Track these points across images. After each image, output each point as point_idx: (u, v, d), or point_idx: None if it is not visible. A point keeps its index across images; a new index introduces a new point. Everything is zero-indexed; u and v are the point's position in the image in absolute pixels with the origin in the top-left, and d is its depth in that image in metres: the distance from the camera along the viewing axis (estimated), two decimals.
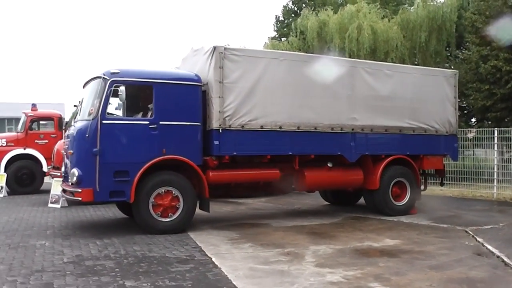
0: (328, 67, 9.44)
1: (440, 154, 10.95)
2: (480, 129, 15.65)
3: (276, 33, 29.79)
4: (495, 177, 13.83)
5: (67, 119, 13.17)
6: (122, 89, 7.69)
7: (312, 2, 27.19)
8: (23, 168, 14.48)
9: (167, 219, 8.12)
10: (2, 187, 14.05)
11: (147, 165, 7.86)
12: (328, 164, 9.64)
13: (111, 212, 10.59)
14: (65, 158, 8.61)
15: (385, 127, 10.04)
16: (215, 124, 8.39)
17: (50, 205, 11.67)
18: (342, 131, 9.58)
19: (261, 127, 8.78)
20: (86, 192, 7.68)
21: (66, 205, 11.53)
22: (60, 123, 14.89)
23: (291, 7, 29.41)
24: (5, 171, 14.23)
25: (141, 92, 8.35)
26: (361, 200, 11.49)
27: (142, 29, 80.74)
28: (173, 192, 8.14)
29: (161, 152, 8.01)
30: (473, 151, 16.51)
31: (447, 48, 22.60)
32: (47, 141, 14.72)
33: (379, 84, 10.01)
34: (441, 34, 21.11)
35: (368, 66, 10.13)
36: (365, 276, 5.71)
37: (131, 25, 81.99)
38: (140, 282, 5.38)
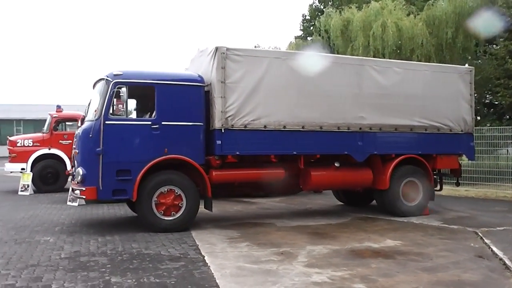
0: (333, 66, 9.34)
1: (455, 153, 10.63)
2: (507, 127, 15.05)
3: (302, 32, 29.64)
4: None
5: None
6: (123, 90, 7.87)
7: (338, 1, 26.91)
8: (48, 167, 14.96)
9: (170, 218, 8.24)
10: (28, 185, 14.57)
11: (149, 164, 8.00)
12: (335, 164, 9.53)
13: (123, 210, 10.81)
14: (74, 158, 8.87)
15: (394, 126, 9.84)
16: (217, 124, 8.46)
17: (68, 203, 11.98)
18: (349, 130, 9.45)
19: (265, 126, 8.78)
20: (90, 190, 7.90)
21: (84, 203, 11.82)
22: None
23: (317, 5, 29.19)
24: (31, 170, 14.75)
25: (144, 93, 8.50)
26: None
27: (167, 30, 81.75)
28: (176, 191, 8.26)
29: (163, 152, 8.14)
30: (507, 150, 15.97)
31: (477, 44, 21.93)
32: (70, 141, 15.12)
33: (388, 82, 9.81)
34: (469, 30, 20.48)
35: (376, 64, 9.94)
36: (352, 277, 5.64)
37: (158, 26, 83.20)
38: (125, 278, 5.51)
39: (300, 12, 47.37)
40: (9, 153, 15.24)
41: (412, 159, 10.11)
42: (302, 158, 9.20)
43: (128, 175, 7.97)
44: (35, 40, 78.33)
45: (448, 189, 14.33)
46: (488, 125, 18.20)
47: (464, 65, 21.56)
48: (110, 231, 8.31)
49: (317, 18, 24.61)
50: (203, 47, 9.34)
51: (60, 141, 15.16)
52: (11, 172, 15.32)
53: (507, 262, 6.34)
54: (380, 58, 19.80)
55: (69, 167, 15.00)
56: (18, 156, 14.87)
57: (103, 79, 8.22)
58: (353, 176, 9.73)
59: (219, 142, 8.45)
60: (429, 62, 19.28)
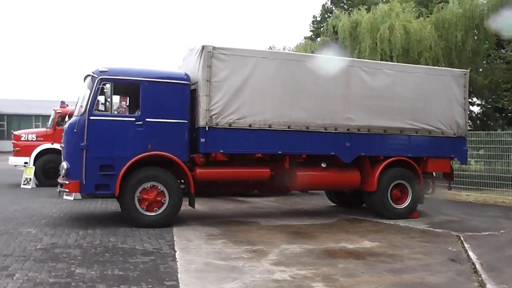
0: (321, 66, 9.34)
1: (446, 157, 10.52)
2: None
3: (311, 33, 29.58)
4: None
5: None
6: (108, 86, 8.01)
7: (350, 2, 26.79)
8: (50, 161, 15.20)
9: (153, 213, 8.35)
10: (30, 179, 14.86)
11: (131, 160, 8.12)
12: (322, 164, 9.53)
13: (115, 205, 10.93)
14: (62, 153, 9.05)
15: (384, 127, 9.79)
16: (201, 122, 8.54)
17: (64, 197, 12.19)
18: (337, 131, 9.44)
19: (250, 125, 8.83)
20: (73, 184, 8.07)
21: (80, 197, 12.01)
22: None
23: (330, 6, 29.10)
24: (34, 164, 15.05)
25: (130, 89, 8.63)
26: None
27: (177, 29, 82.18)
28: (159, 187, 8.37)
29: (146, 148, 8.25)
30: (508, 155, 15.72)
31: (488, 48, 21.61)
32: None
33: (378, 83, 9.78)
34: (479, 33, 20.21)
35: (366, 65, 9.91)
36: (314, 276, 5.67)
37: (166, 24, 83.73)
38: (90, 270, 5.62)
39: (312, 13, 47.14)
40: (13, 147, 15.57)
41: (402, 162, 10.05)
42: (288, 158, 9.22)
43: (111, 170, 8.11)
44: (57, 38, 79.72)
45: (448, 193, 14.24)
46: (500, 130, 17.93)
47: (474, 68, 21.50)
48: (94, 225, 8.45)
49: (327, 19, 24.59)
50: (193, 46, 9.43)
51: None
52: (15, 165, 15.67)
53: (478, 266, 6.29)
54: (387, 60, 19.71)
55: None
56: (21, 150, 15.20)
57: (89, 75, 8.37)
58: (340, 177, 9.70)
59: (203, 140, 8.53)
60: (437, 65, 19.14)
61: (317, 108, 9.28)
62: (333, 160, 9.60)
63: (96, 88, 8.10)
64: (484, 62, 21.89)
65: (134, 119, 8.32)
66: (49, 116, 16.53)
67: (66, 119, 11.47)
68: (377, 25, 20.66)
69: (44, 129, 15.95)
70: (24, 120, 44.27)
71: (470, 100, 24.29)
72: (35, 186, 14.95)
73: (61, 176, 8.35)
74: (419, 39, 19.91)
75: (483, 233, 8.71)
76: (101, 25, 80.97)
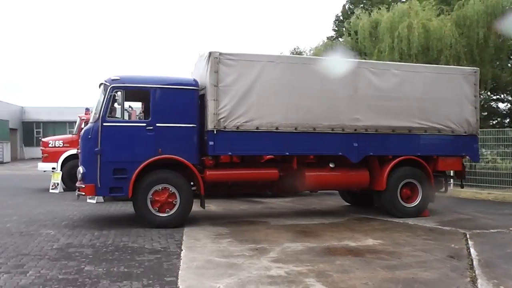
0: (327, 69, 9.52)
1: (457, 155, 10.52)
2: None
3: (334, 33, 29.65)
4: None
5: None
6: (119, 94, 8.45)
7: (370, 2, 26.75)
8: (76, 166, 15.67)
9: (164, 214, 8.73)
10: (58, 184, 15.53)
11: (143, 164, 8.51)
12: (330, 165, 9.71)
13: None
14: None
15: (391, 127, 9.89)
16: (210, 125, 8.86)
17: (88, 200, 12.73)
18: (344, 132, 9.60)
19: (257, 128, 9.10)
20: (89, 187, 8.53)
21: (102, 201, 12.57)
22: None
23: (350, 6, 29.13)
24: (61, 170, 15.72)
25: (141, 96, 9.04)
26: None
27: (201, 34, 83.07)
28: (170, 189, 8.74)
29: (157, 152, 8.63)
30: None
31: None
32: None
33: (385, 84, 9.89)
34: (503, 30, 19.88)
35: (373, 66, 10.03)
36: (309, 272, 5.89)
37: (192, 30, 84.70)
38: (98, 267, 6.00)
39: (335, 13, 46.81)
40: (42, 154, 16.30)
41: (412, 161, 10.12)
42: (296, 159, 9.44)
43: (124, 174, 8.52)
44: (85, 47, 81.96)
45: (469, 192, 14.19)
46: None
47: (498, 65, 21.13)
48: (110, 226, 8.88)
49: (346, 21, 24.65)
50: (202, 52, 9.77)
51: None
52: (44, 171, 16.39)
53: (475, 262, 6.38)
54: (407, 59, 19.65)
55: None
56: (49, 156, 15.90)
57: (102, 83, 8.82)
58: (348, 177, 9.86)
59: (211, 143, 8.85)
60: (458, 63, 18.96)
61: (323, 110, 9.46)
62: (342, 160, 9.77)
63: (109, 96, 8.53)
64: (510, 58, 21.53)
65: (145, 124, 8.72)
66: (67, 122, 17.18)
67: (82, 125, 12.02)
68: (395, 24, 20.64)
69: (70, 135, 16.62)
70: (59, 127, 45.76)
71: (498, 97, 24.00)
72: (62, 190, 15.60)
73: (79, 180, 8.82)
74: (439, 37, 19.75)
75: (491, 230, 8.73)
76: (125, 32, 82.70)
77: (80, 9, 78.83)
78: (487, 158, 17.13)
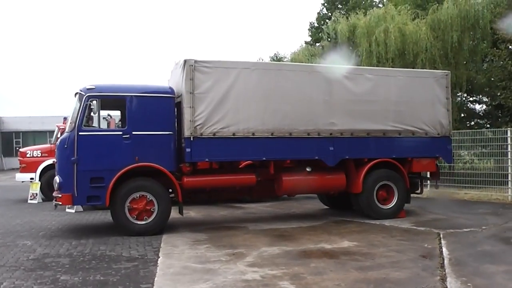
0: (301, 74, 9.69)
1: (431, 157, 10.74)
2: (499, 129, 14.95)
3: (310, 39, 29.98)
4: (510, 179, 13.24)
5: None
6: (95, 103, 8.47)
7: (345, 7, 27.14)
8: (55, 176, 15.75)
9: (143, 222, 8.75)
10: (36, 194, 15.36)
11: (120, 172, 8.53)
12: (307, 169, 9.84)
13: None
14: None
15: (366, 130, 10.06)
16: (186, 132, 8.92)
17: (67, 210, 12.69)
18: (320, 136, 9.74)
19: (233, 134, 9.18)
20: (66, 197, 8.52)
21: (81, 210, 12.53)
22: None
23: (325, 12, 29.53)
24: (39, 180, 15.58)
25: (116, 104, 9.07)
26: None
27: (177, 40, 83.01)
28: (148, 196, 8.77)
29: (134, 160, 8.66)
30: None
31: (487, 47, 21.68)
32: None
33: (360, 88, 10.07)
34: (475, 33, 20.36)
35: (347, 71, 10.21)
36: (283, 275, 5.98)
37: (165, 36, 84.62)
38: (74, 276, 6.01)
39: (309, 20, 46.96)
40: (20, 164, 16.15)
41: (387, 163, 10.30)
42: (273, 164, 9.55)
43: (101, 182, 8.53)
44: (65, 54, 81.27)
45: (446, 192, 14.44)
46: (506, 127, 17.94)
47: (473, 68, 21.57)
48: (88, 235, 8.86)
49: (325, 24, 24.96)
50: (178, 60, 9.84)
51: None
52: (22, 181, 16.23)
53: (446, 261, 6.54)
54: (384, 63, 19.98)
55: None
56: (27, 166, 15.76)
57: (77, 93, 8.83)
58: (325, 180, 10.00)
59: (188, 150, 8.91)
60: (434, 65, 19.33)
61: (299, 115, 9.59)
62: (318, 164, 9.90)
63: (84, 105, 8.55)
64: (484, 61, 21.98)
65: (121, 132, 8.74)
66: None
67: (59, 135, 11.92)
68: (372, 28, 20.98)
69: (48, 145, 16.50)
70: (39, 136, 45.24)
71: (474, 98, 24.47)
72: (41, 200, 15.45)
73: (55, 189, 8.80)
74: (415, 41, 20.13)
75: (464, 230, 8.93)
76: (103, 41, 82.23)
77: (57, 18, 78.29)
78: (464, 159, 17.46)
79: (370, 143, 10.14)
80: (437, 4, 21.06)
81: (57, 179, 8.64)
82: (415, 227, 9.25)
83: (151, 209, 8.78)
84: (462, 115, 22.59)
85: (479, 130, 17.29)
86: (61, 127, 16.20)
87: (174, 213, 9.32)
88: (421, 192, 11.20)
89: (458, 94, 21.70)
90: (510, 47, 17.40)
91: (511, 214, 10.86)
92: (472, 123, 23.56)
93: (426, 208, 11.73)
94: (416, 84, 10.55)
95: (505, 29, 17.11)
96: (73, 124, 8.59)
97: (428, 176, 11.79)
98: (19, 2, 71.95)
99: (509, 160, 13.38)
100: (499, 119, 21.58)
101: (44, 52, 79.43)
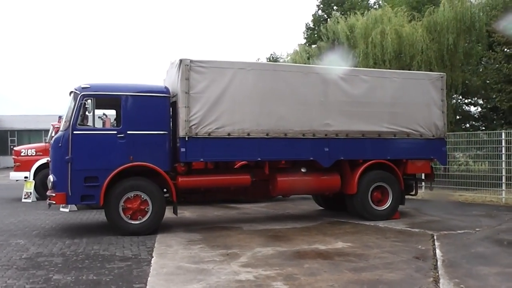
0: (297, 75, 9.69)
1: (426, 158, 10.76)
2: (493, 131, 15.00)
3: (306, 40, 30.02)
4: (504, 181, 13.29)
5: None
6: (89, 102, 8.44)
7: (341, 8, 27.18)
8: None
9: (137, 222, 8.72)
10: (31, 193, 15.31)
11: (114, 172, 8.51)
12: (302, 169, 9.85)
13: None
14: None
15: (361, 132, 10.07)
16: (181, 132, 8.90)
17: (61, 209, 12.60)
18: (315, 137, 9.74)
19: (228, 134, 9.17)
20: (60, 196, 8.47)
21: (76, 209, 12.45)
22: None
23: (320, 14, 29.56)
24: (33, 179, 15.52)
25: (111, 103, 9.04)
26: None
27: (177, 41, 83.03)
28: (142, 196, 8.74)
29: (128, 159, 8.64)
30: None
31: (483, 50, 21.76)
32: None
33: (355, 89, 10.08)
34: (471, 36, 20.44)
35: (342, 72, 10.21)
36: (277, 275, 5.97)
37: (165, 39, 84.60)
38: (67, 276, 5.98)
39: (303, 20, 46.76)
40: (14, 163, 16.07)
41: (382, 164, 10.32)
42: (267, 164, 9.55)
43: (96, 182, 8.50)
44: (61, 50, 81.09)
45: (441, 194, 14.48)
46: (501, 129, 18.03)
47: (468, 70, 21.64)
48: (82, 234, 8.83)
49: (322, 25, 24.94)
50: (173, 59, 9.82)
51: None
52: (16, 180, 16.17)
53: (439, 263, 6.56)
54: (380, 65, 20.02)
55: None
56: (21, 165, 15.70)
57: (72, 91, 8.80)
58: (320, 181, 10.00)
59: (183, 149, 8.89)
60: (429, 68, 19.39)
61: (294, 116, 9.59)
62: (313, 165, 9.91)
63: (79, 104, 8.51)
64: (479, 63, 22.07)
65: (116, 132, 8.72)
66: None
67: (53, 134, 11.87)
68: (369, 30, 21.02)
69: (43, 143, 16.44)
70: (34, 135, 45.10)
71: (470, 100, 24.55)
72: (35, 199, 15.39)
73: (49, 188, 8.76)
74: (411, 43, 20.20)
75: (458, 231, 8.95)
76: (101, 40, 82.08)
77: (53, 17, 78.10)
78: (459, 161, 17.51)
79: (365, 144, 10.15)
80: (433, 7, 21.16)
81: (51, 178, 8.60)
82: (409, 229, 9.27)
83: (146, 209, 8.75)
84: (457, 117, 22.69)
85: (474, 132, 17.39)
86: (56, 126, 16.13)
87: (168, 213, 9.30)
88: (416, 194, 11.23)
89: (453, 96, 21.82)
90: (505, 49, 17.49)
91: (505, 216, 10.90)
92: (467, 125, 23.68)
93: (421, 210, 11.76)
94: (412, 86, 10.57)
95: (501, 32, 17.20)
96: (68, 123, 8.55)
97: (423, 177, 11.77)
98: (17, 2, 71.74)
99: (504, 162, 13.42)
100: (494, 121, 21.72)
101: (40, 51, 79.30)
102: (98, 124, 9.50)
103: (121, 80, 9.83)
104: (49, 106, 71.88)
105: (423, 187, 14.11)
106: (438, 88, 10.80)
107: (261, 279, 5.83)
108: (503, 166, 13.49)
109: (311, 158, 9.76)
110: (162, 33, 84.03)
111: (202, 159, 9.16)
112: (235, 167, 10.55)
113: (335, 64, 16.29)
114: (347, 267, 6.36)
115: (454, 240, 8.14)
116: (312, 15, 30.34)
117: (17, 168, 15.82)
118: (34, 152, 15.90)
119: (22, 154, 15.89)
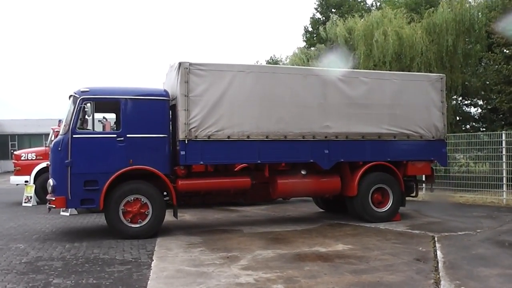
0: (296, 78, 9.69)
1: (426, 160, 10.75)
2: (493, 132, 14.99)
3: (305, 43, 30.06)
4: (504, 182, 13.27)
5: None
6: (89, 105, 8.44)
7: (340, 11, 27.19)
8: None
9: (137, 225, 8.71)
10: (31, 197, 15.29)
11: (114, 175, 8.50)
12: (302, 172, 9.83)
13: None
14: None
15: (361, 134, 10.06)
16: (181, 135, 8.90)
17: (61, 213, 12.63)
18: (315, 139, 9.73)
19: (228, 137, 9.17)
20: (60, 200, 8.47)
21: (76, 213, 12.48)
22: None
23: (318, 17, 29.57)
24: (34, 183, 15.51)
25: (111, 107, 9.04)
26: None
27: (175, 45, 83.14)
28: (142, 199, 8.73)
29: (128, 163, 8.63)
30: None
31: (482, 51, 21.77)
32: None
33: (354, 91, 10.07)
34: (470, 37, 20.45)
35: (342, 74, 10.21)
36: (277, 278, 5.96)
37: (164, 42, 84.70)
38: (67, 280, 5.97)
39: (302, 23, 46.77)
40: (14, 167, 16.06)
41: (382, 166, 10.30)
42: (267, 167, 9.54)
43: (95, 185, 8.49)
44: (62, 55, 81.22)
45: (442, 195, 14.46)
46: (501, 130, 17.98)
47: (468, 71, 21.63)
48: (82, 238, 8.81)
49: (321, 27, 24.94)
50: (172, 62, 9.81)
51: None
52: (16, 184, 16.16)
53: (440, 264, 6.54)
54: (381, 66, 20.02)
55: None
56: (22, 169, 15.68)
57: (71, 95, 8.79)
58: (320, 183, 9.99)
59: (183, 152, 8.89)
60: (429, 69, 19.39)
61: (294, 118, 9.58)
62: (313, 167, 9.90)
63: (78, 108, 8.51)
64: (479, 64, 22.07)
65: (115, 135, 8.71)
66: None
67: (52, 138, 11.85)
68: (370, 31, 21.00)
69: (43, 147, 16.44)
70: (35, 139, 45.12)
71: (469, 101, 24.54)
72: (36, 203, 15.38)
73: (49, 192, 8.75)
74: (411, 45, 20.18)
75: (459, 233, 8.93)
76: (100, 43, 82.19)
77: (53, 21, 78.23)
78: (460, 162, 17.48)
79: (365, 146, 10.14)
80: (432, 8, 21.17)
81: (50, 182, 8.59)
82: (410, 230, 9.25)
83: (146, 212, 8.74)
84: (458, 118, 22.68)
85: (474, 133, 17.36)
86: (56, 130, 16.11)
87: (168, 216, 9.29)
88: (416, 195, 11.21)
89: (453, 98, 21.81)
90: (505, 51, 17.48)
91: (506, 217, 10.88)
92: (467, 126, 23.65)
93: (421, 211, 11.74)
94: (411, 87, 10.56)
95: (500, 33, 17.21)
96: (67, 127, 8.55)
97: (423, 179, 11.75)
98: (16, 5, 71.88)
99: (504, 163, 13.40)
100: (494, 123, 21.67)
101: (40, 55, 79.40)
102: (98, 127, 9.52)
103: (121, 84, 9.88)
104: (50, 110, 72.06)
105: (423, 189, 14.06)
106: (437, 89, 10.80)
107: (262, 282, 5.82)
108: (504, 167, 13.46)
109: (311, 160, 9.75)
110: (161, 36, 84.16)
111: (202, 162, 9.16)
112: (235, 169, 10.55)
113: (335, 66, 16.26)
114: (348, 270, 6.34)
115: (455, 242, 8.12)
116: (310, 18, 30.39)
117: (17, 172, 15.81)
118: (34, 156, 15.89)
119: (22, 158, 15.88)
